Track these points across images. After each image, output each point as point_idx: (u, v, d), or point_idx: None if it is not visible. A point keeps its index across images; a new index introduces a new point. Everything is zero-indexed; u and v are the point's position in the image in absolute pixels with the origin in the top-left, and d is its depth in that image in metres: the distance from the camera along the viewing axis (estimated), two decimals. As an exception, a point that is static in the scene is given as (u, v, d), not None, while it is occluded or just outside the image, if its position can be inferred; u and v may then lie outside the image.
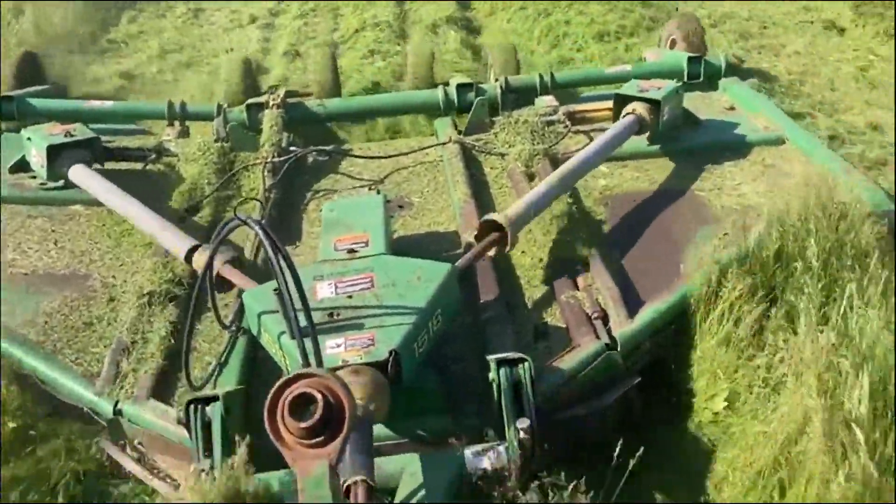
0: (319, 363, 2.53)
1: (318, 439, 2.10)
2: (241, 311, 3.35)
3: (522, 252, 3.79)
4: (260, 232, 2.61)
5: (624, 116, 4.47)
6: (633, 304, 3.39)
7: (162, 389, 3.15)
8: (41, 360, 3.28)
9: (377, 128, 5.85)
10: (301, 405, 2.11)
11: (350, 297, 2.98)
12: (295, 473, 2.16)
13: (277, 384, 2.16)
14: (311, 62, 6.58)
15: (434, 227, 4.19)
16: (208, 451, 2.72)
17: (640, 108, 4.45)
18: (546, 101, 5.22)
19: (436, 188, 4.52)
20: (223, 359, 3.19)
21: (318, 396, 2.09)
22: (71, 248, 4.06)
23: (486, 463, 2.63)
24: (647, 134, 4.53)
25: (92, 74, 7.98)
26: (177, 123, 5.48)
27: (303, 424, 2.09)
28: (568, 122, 4.81)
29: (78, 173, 4.32)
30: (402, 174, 4.68)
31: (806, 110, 6.11)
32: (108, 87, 7.57)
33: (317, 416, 2.08)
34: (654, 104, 4.45)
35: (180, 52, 8.56)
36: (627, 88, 4.62)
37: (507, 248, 3.46)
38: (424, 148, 4.85)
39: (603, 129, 4.63)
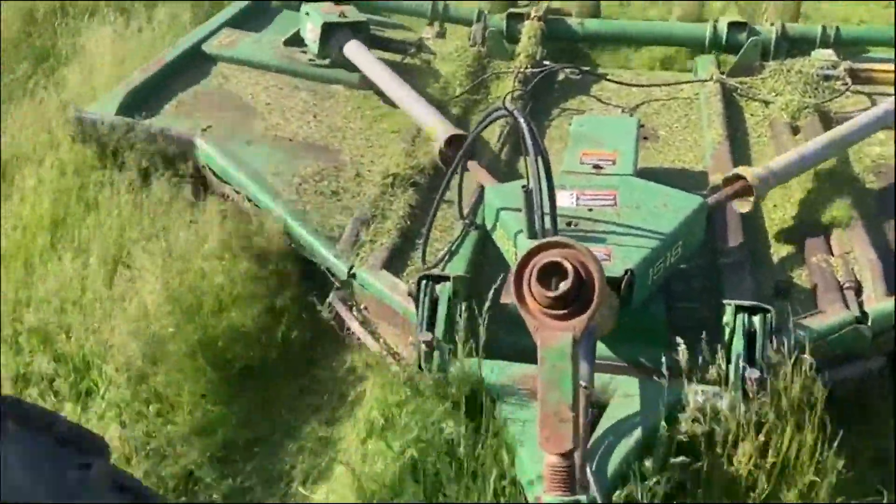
0: None
1: (563, 311, 2.04)
2: (477, 206, 3.42)
3: (774, 205, 3.54)
4: (525, 126, 2.60)
5: (919, 81, 3.99)
6: (893, 281, 3.07)
7: (393, 263, 3.30)
8: (294, 217, 3.53)
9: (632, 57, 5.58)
10: (550, 274, 2.04)
11: (590, 210, 2.94)
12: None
13: (529, 248, 2.10)
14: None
15: (679, 163, 4.00)
16: (431, 326, 2.82)
17: (941, 75, 3.94)
18: (825, 55, 4.76)
19: (686, 125, 4.31)
20: (454, 247, 3.28)
21: (570, 267, 2.02)
22: (328, 123, 4.31)
23: (705, 403, 2.52)
24: (942, 106, 4.00)
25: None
26: (436, 24, 5.59)
27: (550, 293, 2.02)
28: (848, 80, 4.36)
29: (352, 49, 4.54)
30: (653, 106, 4.50)
31: None
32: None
33: (566, 286, 2.00)
34: (960, 73, 3.93)
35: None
36: (929, 51, 4.10)
37: (750, 208, 3.25)
38: (683, 83, 4.62)
39: (886, 93, 4.18)
